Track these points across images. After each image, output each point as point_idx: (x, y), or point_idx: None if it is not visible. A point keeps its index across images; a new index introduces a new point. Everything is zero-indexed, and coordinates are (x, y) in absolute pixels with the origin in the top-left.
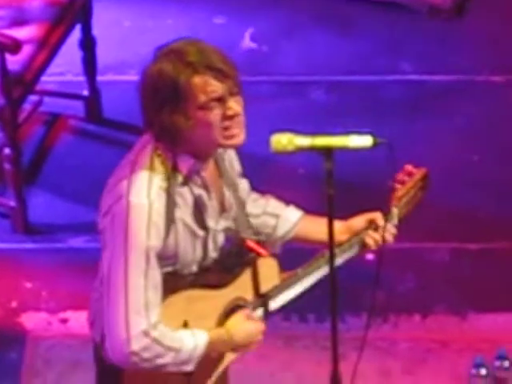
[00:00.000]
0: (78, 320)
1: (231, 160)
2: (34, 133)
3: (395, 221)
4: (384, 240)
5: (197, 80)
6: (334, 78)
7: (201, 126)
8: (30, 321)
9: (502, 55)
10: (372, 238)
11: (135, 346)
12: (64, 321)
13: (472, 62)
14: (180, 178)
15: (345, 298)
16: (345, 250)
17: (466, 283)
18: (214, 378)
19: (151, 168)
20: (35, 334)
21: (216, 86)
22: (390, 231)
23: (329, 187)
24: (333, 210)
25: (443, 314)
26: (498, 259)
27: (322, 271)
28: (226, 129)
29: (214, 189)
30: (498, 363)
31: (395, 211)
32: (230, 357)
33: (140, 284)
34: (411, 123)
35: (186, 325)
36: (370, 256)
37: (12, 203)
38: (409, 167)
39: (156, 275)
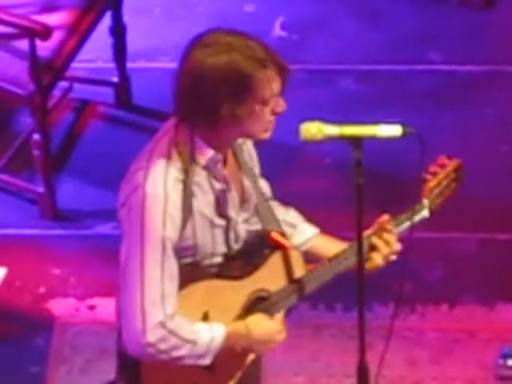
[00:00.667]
0: (106, 307)
1: (251, 153)
2: (63, 119)
3: (426, 213)
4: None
5: (266, 75)
6: (363, 67)
7: (253, 119)
8: (58, 307)
9: None
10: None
11: (151, 337)
12: (92, 307)
13: (502, 52)
14: (198, 169)
15: (372, 287)
16: (354, 252)
17: (494, 273)
18: (238, 372)
19: (168, 158)
20: (63, 320)
21: (278, 83)
22: (394, 247)
23: (358, 177)
24: (361, 200)
25: (471, 304)
26: None
27: (349, 261)
28: (269, 123)
29: (233, 180)
30: None
31: (426, 203)
32: (251, 356)
33: (156, 275)
34: (440, 113)
35: (206, 316)
36: (397, 246)
37: (40, 189)
38: (442, 158)
39: (172, 266)
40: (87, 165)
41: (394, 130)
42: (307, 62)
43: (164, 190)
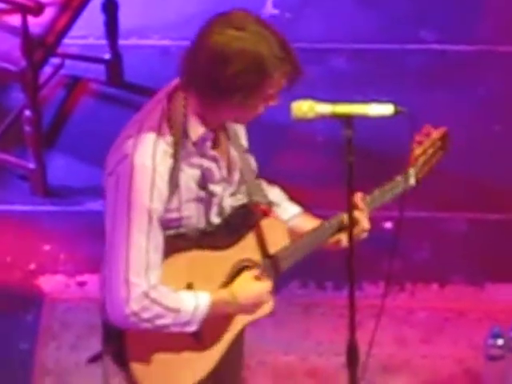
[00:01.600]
0: (96, 283)
1: (239, 126)
2: (54, 96)
3: (412, 181)
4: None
5: (280, 74)
6: (355, 46)
7: (250, 109)
8: (48, 283)
9: None
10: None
11: (134, 306)
12: (81, 284)
13: (494, 33)
14: (187, 144)
15: (362, 266)
16: (328, 228)
17: (483, 253)
18: (225, 341)
19: (159, 131)
20: (52, 296)
21: (285, 82)
22: (364, 226)
23: (349, 154)
24: (352, 177)
25: (461, 283)
26: None
27: (328, 234)
28: (258, 113)
29: (221, 152)
30: None
31: (412, 171)
32: (242, 320)
33: (142, 245)
34: (432, 93)
35: (190, 287)
36: (387, 224)
37: (31, 165)
38: (427, 127)
39: (158, 237)
40: (78, 141)
41: (385, 109)
42: (299, 40)
43: (152, 162)
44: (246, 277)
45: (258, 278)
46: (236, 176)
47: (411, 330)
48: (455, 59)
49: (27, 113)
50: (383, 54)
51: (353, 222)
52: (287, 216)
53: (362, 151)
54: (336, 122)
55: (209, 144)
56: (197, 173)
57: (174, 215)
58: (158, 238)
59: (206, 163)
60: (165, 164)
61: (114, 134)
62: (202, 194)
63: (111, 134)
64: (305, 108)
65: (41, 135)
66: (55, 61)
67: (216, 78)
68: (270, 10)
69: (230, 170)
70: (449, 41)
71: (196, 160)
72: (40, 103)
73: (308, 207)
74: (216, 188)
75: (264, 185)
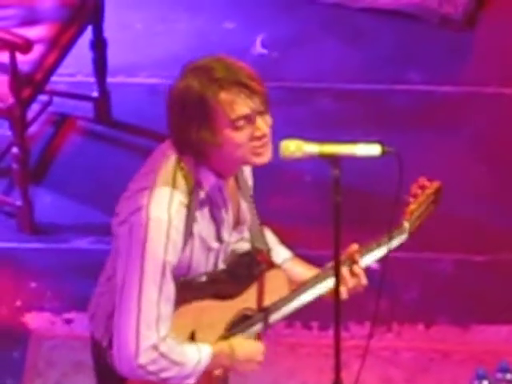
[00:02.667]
0: (82, 321)
1: (248, 172)
2: (42, 133)
3: (405, 235)
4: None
5: (224, 96)
6: (342, 85)
7: (228, 145)
8: (34, 320)
9: (511, 68)
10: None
11: (143, 359)
12: (68, 321)
13: (481, 74)
14: (202, 194)
15: (348, 306)
16: (319, 281)
17: (469, 295)
18: None
19: (174, 182)
20: (39, 333)
21: (243, 104)
22: (361, 280)
23: (336, 195)
24: (340, 218)
25: (446, 324)
26: (503, 271)
27: (322, 286)
28: (253, 148)
29: (231, 202)
30: (500, 375)
31: (406, 225)
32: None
33: (153, 298)
34: (419, 133)
35: (193, 335)
36: (374, 265)
37: (18, 203)
38: (422, 180)
39: (170, 289)
40: (65, 179)
41: (372, 149)
42: (287, 79)
43: (168, 215)
44: (245, 335)
45: (255, 337)
46: (245, 227)
47: (397, 370)
48: (441, 100)
49: (14, 150)
50: (370, 94)
51: (339, 264)
52: (279, 260)
53: (350, 191)
54: (324, 162)
55: (224, 193)
56: (210, 223)
57: (185, 263)
58: (170, 290)
59: (219, 212)
60: (180, 216)
61: (101, 172)
62: (214, 244)
63: (99, 172)
64: (292, 147)
65: (28, 172)
66: (43, 98)
67: (171, 125)
68: (258, 49)
69: (239, 220)
70: (435, 82)
71: (209, 210)
72: (28, 140)
73: (295, 247)
74: (224, 235)
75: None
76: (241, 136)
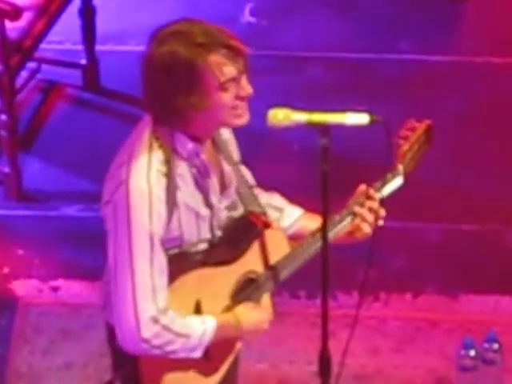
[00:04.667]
0: (69, 288)
1: (228, 138)
2: (30, 100)
3: (401, 178)
4: (375, 211)
5: (212, 59)
6: (332, 54)
7: (215, 107)
8: (21, 288)
9: (502, 37)
10: (361, 215)
11: (145, 333)
12: (55, 289)
13: (472, 44)
14: (180, 161)
15: (336, 276)
16: (335, 224)
17: (457, 264)
18: (229, 359)
19: (150, 152)
20: (26, 300)
21: (231, 66)
22: (379, 212)
23: (324, 163)
24: (327, 186)
25: (434, 293)
26: (491, 241)
27: (331, 233)
28: (234, 108)
29: (213, 166)
30: (487, 345)
31: (401, 168)
32: (239, 342)
33: (146, 270)
34: (408, 103)
35: (198, 304)
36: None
37: (6, 170)
38: (411, 122)
39: (161, 260)
40: (54, 146)
41: (361, 118)
42: (276, 48)
43: (148, 185)
44: (249, 304)
45: (258, 306)
46: (232, 191)
47: (384, 339)
48: (432, 70)
49: (3, 117)
50: (360, 63)
51: (326, 228)
52: (292, 219)
53: (338, 160)
54: (312, 131)
55: (202, 157)
56: (193, 188)
57: (176, 234)
58: (161, 261)
59: (197, 171)
60: (160, 185)
61: (90, 140)
62: (203, 210)
63: (87, 140)
64: (281, 116)
65: (16, 140)
66: (32, 65)
67: (154, 94)
68: (247, 17)
69: (225, 184)
70: (425, 51)
71: (189, 175)
72: (16, 107)
73: None
74: (213, 201)
75: (264, 193)
76: (227, 97)
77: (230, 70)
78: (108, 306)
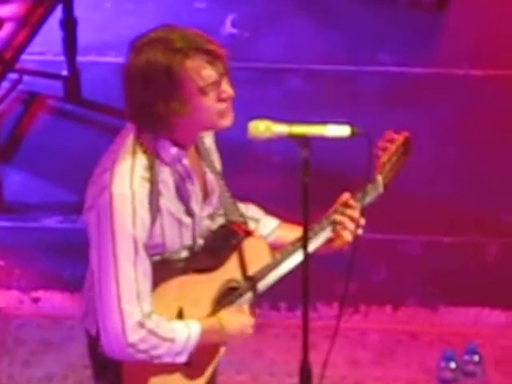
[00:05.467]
0: (50, 300)
1: (210, 144)
2: (11, 111)
3: (380, 189)
4: (354, 219)
5: (190, 64)
6: (313, 66)
7: (197, 111)
8: (2, 299)
9: (481, 50)
10: (342, 223)
11: (131, 337)
12: (35, 300)
13: (452, 56)
14: (163, 167)
15: (317, 287)
16: (316, 233)
17: (438, 276)
18: (211, 366)
19: (133, 158)
20: (6, 311)
21: (210, 69)
22: (359, 221)
23: (304, 175)
24: (307, 198)
25: (414, 306)
26: (471, 253)
27: (311, 244)
28: (218, 111)
29: (195, 173)
30: (467, 357)
31: (380, 179)
32: (223, 347)
33: (130, 274)
34: (389, 114)
35: (181, 311)
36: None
37: None
38: (390, 133)
39: (145, 264)
40: (35, 157)
41: (342, 130)
42: (257, 60)
43: (131, 190)
44: (232, 309)
45: (241, 310)
46: (215, 199)
47: (364, 351)
48: (412, 81)
49: None
50: (341, 75)
51: (307, 240)
52: (268, 230)
53: (318, 172)
54: (293, 143)
55: (184, 162)
56: (174, 194)
57: (158, 240)
58: (145, 265)
59: (179, 178)
60: (143, 190)
61: (71, 151)
62: (185, 218)
63: (68, 151)
64: (262, 127)
65: None
66: (13, 76)
67: (134, 102)
68: (228, 29)
69: (207, 192)
70: (406, 63)
71: (172, 182)
72: None
73: None
74: (194, 209)
75: (240, 204)
76: (208, 100)
77: (209, 74)
78: (89, 314)
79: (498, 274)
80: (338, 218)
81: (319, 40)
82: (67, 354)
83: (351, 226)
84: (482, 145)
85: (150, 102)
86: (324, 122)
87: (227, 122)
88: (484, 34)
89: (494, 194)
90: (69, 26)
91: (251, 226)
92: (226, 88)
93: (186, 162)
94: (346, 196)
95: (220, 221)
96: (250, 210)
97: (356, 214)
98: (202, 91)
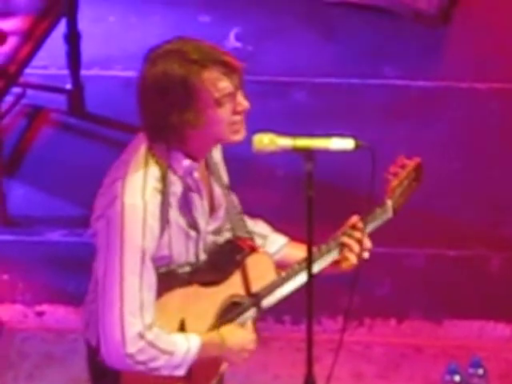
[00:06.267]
0: (54, 313)
1: (218, 158)
2: (15, 125)
3: (390, 213)
4: (361, 244)
5: (206, 75)
6: (316, 80)
7: (212, 123)
8: (6, 313)
9: (485, 63)
10: (349, 246)
11: (130, 348)
12: (40, 314)
13: (455, 69)
14: (174, 180)
15: (321, 301)
16: (323, 254)
17: (442, 289)
18: (212, 381)
19: (146, 168)
20: (10, 325)
21: (226, 81)
22: (366, 245)
23: (309, 189)
24: (312, 212)
25: (418, 319)
26: (475, 266)
27: (318, 264)
28: (231, 123)
29: (204, 187)
30: (472, 370)
31: (389, 203)
32: (224, 365)
33: (135, 285)
34: (392, 128)
35: (182, 323)
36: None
37: None
38: (401, 158)
39: (151, 276)
40: (38, 171)
41: (346, 143)
42: (261, 73)
43: (143, 201)
44: (236, 324)
45: (243, 326)
46: (221, 213)
47: (368, 365)
48: (415, 95)
49: None
50: (344, 88)
51: (311, 257)
52: (276, 247)
53: (322, 186)
54: (297, 156)
55: (196, 175)
56: (185, 208)
57: (165, 252)
58: (151, 277)
59: (190, 191)
60: (155, 201)
61: (75, 164)
62: (189, 230)
63: (72, 164)
64: (266, 141)
65: (1, 164)
66: (17, 90)
67: (148, 113)
68: (232, 42)
69: (214, 207)
70: (409, 77)
71: (183, 195)
72: (0, 132)
73: None
74: (201, 224)
75: (248, 219)
76: (223, 112)
77: (225, 86)
78: (90, 326)
79: (502, 287)
80: (345, 239)
81: (323, 53)
82: (71, 367)
83: (358, 248)
84: (485, 158)
85: (165, 112)
86: (328, 135)
87: (239, 136)
88: (488, 47)
89: (498, 207)
90: (73, 39)
91: (258, 242)
92: (242, 101)
93: (196, 175)
94: (354, 218)
95: (227, 235)
96: (258, 227)
97: (363, 236)
98: (218, 102)
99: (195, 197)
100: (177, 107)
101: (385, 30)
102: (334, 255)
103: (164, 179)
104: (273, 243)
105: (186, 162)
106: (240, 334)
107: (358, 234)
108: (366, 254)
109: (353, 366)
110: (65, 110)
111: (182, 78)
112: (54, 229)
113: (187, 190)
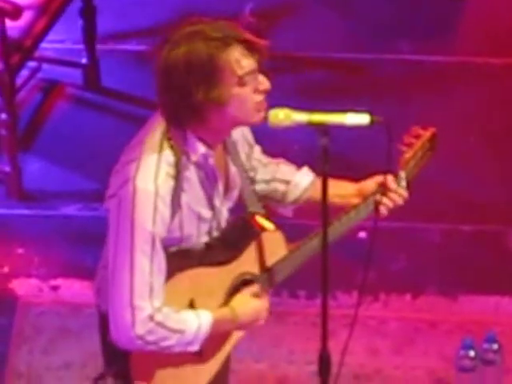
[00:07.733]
0: (69, 288)
1: (239, 138)
2: (31, 99)
3: (403, 184)
4: (394, 202)
5: (231, 53)
6: (331, 54)
7: (234, 102)
8: (21, 287)
9: (501, 37)
10: (383, 204)
11: (140, 330)
12: (55, 288)
13: (471, 44)
14: (188, 164)
15: (336, 275)
16: (351, 217)
17: (457, 264)
18: (223, 354)
19: (160, 153)
20: (26, 300)
21: (249, 59)
22: (402, 194)
23: (324, 164)
24: (327, 187)
25: (434, 294)
26: (491, 241)
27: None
28: (255, 103)
29: (220, 169)
30: (486, 345)
31: (403, 174)
32: (237, 334)
33: (145, 269)
34: (408, 103)
35: (192, 303)
36: (362, 234)
37: (7, 169)
38: (416, 129)
39: (161, 260)
40: (54, 145)
41: (362, 119)
42: (275, 48)
43: (155, 186)
44: (245, 294)
45: (255, 294)
46: (235, 193)
47: (383, 340)
48: (431, 70)
49: (3, 116)
50: (359, 63)
51: (326, 227)
52: (300, 191)
53: (338, 161)
54: (312, 131)
55: (211, 161)
56: (199, 192)
57: (176, 234)
58: (160, 261)
59: (207, 180)
60: (167, 187)
61: (90, 139)
62: (205, 212)
63: (87, 139)
64: (281, 116)
65: (16, 139)
66: (32, 64)
67: (171, 92)
68: (247, 18)
69: (229, 187)
70: (425, 51)
71: (197, 179)
72: (16, 107)
73: (283, 217)
74: (216, 204)
75: (272, 164)
76: (246, 91)
77: (248, 63)
78: (102, 292)
79: None
80: (379, 198)
81: (337, 28)
82: (86, 342)
83: (391, 205)
84: (501, 133)
85: (190, 91)
86: (343, 111)
87: (260, 117)
88: (504, 22)
89: None
90: (88, 13)
91: (281, 189)
92: (263, 80)
93: (211, 161)
94: (389, 178)
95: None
96: (280, 171)
97: (397, 196)
98: (241, 81)
99: (210, 181)
100: (202, 84)
101: (400, 4)
102: (361, 216)
103: (178, 165)
104: (296, 187)
105: (202, 149)
106: (252, 305)
107: (392, 195)
108: (400, 200)
109: (367, 340)
110: (80, 85)
111: (207, 55)
112: (69, 203)
113: (202, 175)
